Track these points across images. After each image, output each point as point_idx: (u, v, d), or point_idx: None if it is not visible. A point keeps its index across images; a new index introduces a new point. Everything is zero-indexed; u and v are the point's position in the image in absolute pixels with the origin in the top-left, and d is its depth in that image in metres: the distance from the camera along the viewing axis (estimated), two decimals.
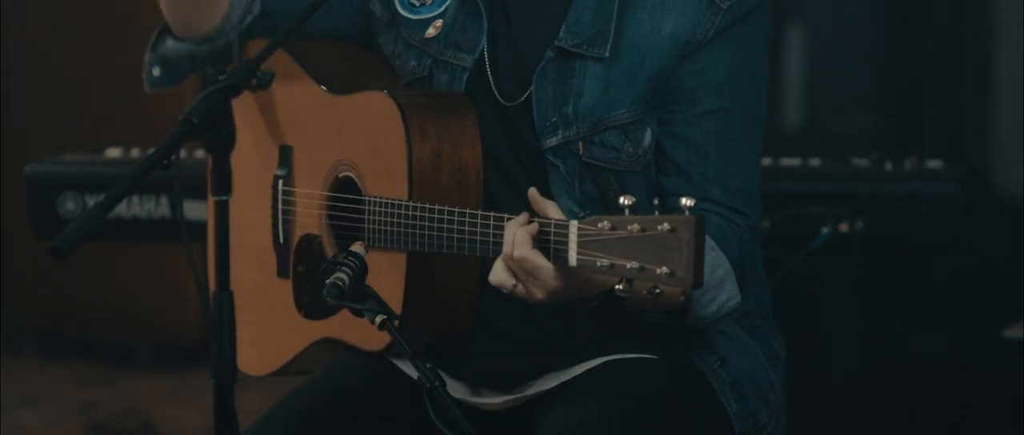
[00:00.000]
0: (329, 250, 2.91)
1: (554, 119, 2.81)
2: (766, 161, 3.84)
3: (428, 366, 2.61)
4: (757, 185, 2.85)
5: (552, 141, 2.82)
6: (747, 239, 2.81)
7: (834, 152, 3.91)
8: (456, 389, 2.85)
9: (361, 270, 2.72)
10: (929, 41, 5.00)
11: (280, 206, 2.99)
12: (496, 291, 2.83)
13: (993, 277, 4.67)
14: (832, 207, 3.73)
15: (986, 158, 4.94)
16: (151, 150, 3.31)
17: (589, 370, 2.81)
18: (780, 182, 3.76)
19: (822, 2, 5.11)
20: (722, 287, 2.71)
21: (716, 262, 2.70)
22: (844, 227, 3.72)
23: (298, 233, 2.96)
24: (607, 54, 2.79)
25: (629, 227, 2.37)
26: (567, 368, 2.83)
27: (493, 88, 2.86)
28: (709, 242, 2.70)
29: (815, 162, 3.86)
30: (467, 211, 2.65)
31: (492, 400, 2.87)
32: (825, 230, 3.72)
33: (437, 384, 2.60)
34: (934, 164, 3.82)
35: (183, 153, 3.98)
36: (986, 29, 4.91)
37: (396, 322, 2.64)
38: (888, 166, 3.79)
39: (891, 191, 3.74)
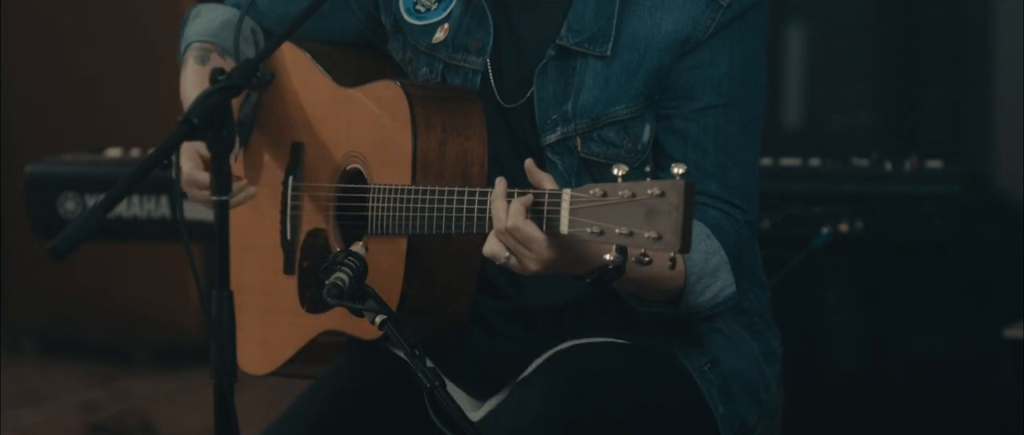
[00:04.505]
0: (335, 244, 2.92)
1: (554, 116, 2.82)
2: (766, 161, 3.84)
3: (429, 366, 2.62)
4: (755, 181, 2.86)
5: (551, 138, 2.82)
6: (745, 233, 2.81)
7: (834, 152, 3.90)
8: (460, 397, 2.87)
9: (361, 270, 2.73)
10: (929, 41, 5.00)
11: (289, 203, 3.00)
12: (493, 292, 2.84)
13: (993, 277, 4.67)
14: (832, 207, 3.73)
15: (986, 158, 4.94)
16: (151, 150, 3.30)
17: (561, 351, 2.83)
18: (780, 182, 3.76)
19: (822, 2, 5.10)
20: (717, 275, 2.72)
21: (711, 250, 2.71)
22: (844, 227, 3.72)
23: (305, 228, 2.97)
24: (609, 53, 2.80)
25: (620, 193, 2.39)
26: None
27: (494, 90, 2.87)
28: (705, 230, 2.71)
29: (815, 162, 3.86)
30: (466, 189, 2.67)
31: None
32: (825, 230, 3.72)
33: (437, 384, 2.60)
34: (934, 164, 3.82)
35: None
36: (986, 29, 4.91)
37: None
38: (888, 166, 3.79)
39: (891, 191, 3.74)
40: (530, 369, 2.85)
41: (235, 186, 2.87)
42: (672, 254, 2.38)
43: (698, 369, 2.85)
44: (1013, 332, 3.94)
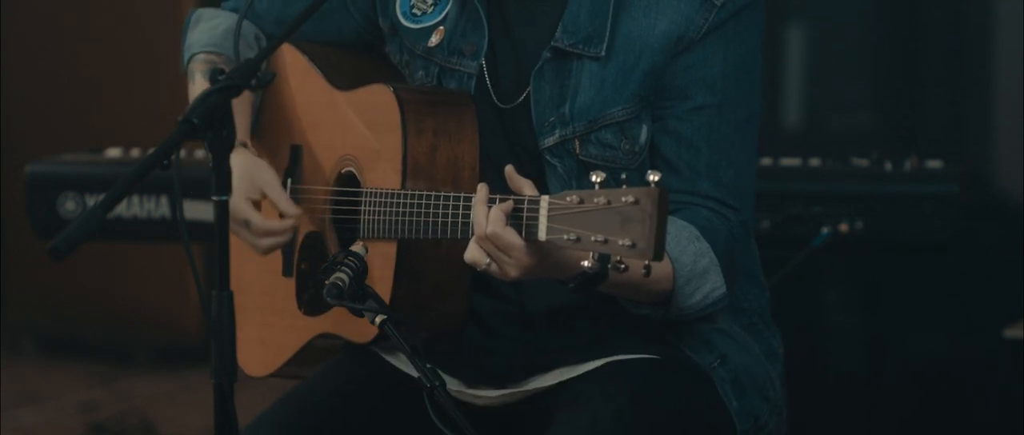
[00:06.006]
0: (331, 246, 2.92)
1: (552, 119, 2.82)
2: (766, 161, 3.84)
3: (428, 366, 2.62)
4: (750, 181, 2.86)
5: (549, 141, 2.82)
6: (739, 233, 2.81)
7: (834, 152, 3.91)
8: (451, 384, 2.86)
9: (361, 270, 2.73)
10: (928, 41, 5.00)
11: None
12: (492, 292, 2.84)
13: (993, 277, 4.67)
14: (832, 207, 3.73)
15: (986, 158, 4.94)
16: (151, 150, 3.31)
17: (594, 370, 2.81)
18: (780, 182, 3.76)
19: (822, 2, 5.10)
20: (706, 277, 2.72)
21: (700, 252, 2.71)
22: (844, 227, 3.72)
23: (303, 230, 2.97)
24: (603, 53, 2.80)
25: (596, 200, 2.40)
26: (568, 367, 2.83)
27: (491, 91, 2.87)
28: (694, 232, 2.71)
29: (815, 162, 3.86)
30: (451, 193, 2.67)
31: (488, 393, 2.87)
32: (825, 230, 3.72)
33: (437, 384, 2.60)
34: (934, 164, 3.82)
35: (183, 153, 3.98)
36: (986, 29, 4.91)
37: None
38: (888, 166, 3.79)
39: (891, 191, 3.74)
40: (560, 380, 2.84)
41: (279, 225, 2.88)
42: (646, 262, 2.39)
43: (709, 366, 2.85)
44: (1013, 332, 3.94)
